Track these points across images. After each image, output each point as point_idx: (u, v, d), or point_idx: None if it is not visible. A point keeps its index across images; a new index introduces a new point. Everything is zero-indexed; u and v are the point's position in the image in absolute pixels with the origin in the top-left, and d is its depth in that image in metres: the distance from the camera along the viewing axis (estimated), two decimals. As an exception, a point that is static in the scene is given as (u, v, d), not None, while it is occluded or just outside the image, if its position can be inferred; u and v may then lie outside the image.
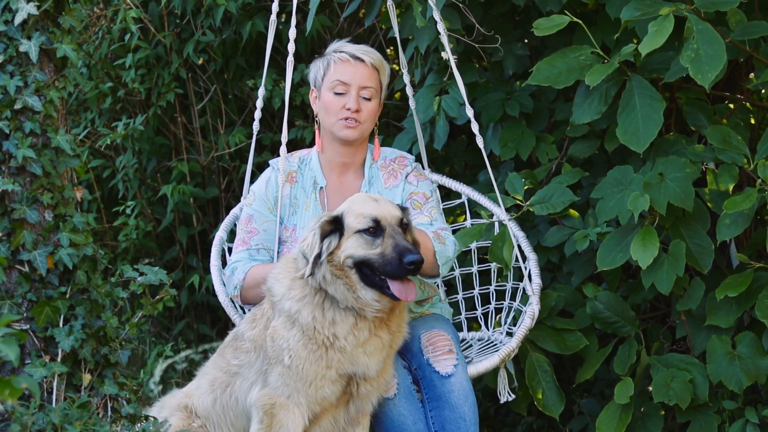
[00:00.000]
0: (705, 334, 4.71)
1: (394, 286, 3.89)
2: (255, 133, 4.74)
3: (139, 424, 3.83)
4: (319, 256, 3.91)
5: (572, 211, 5.02)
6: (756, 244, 4.66)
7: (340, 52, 4.41)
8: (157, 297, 4.03)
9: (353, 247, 3.91)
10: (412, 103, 4.89)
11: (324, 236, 3.93)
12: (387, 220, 3.93)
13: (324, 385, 3.96)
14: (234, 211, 4.75)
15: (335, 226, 3.95)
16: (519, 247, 4.68)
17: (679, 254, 4.48)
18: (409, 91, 4.86)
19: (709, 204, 4.62)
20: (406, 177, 4.52)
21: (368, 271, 3.92)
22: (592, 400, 5.37)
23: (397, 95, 6.40)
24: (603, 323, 4.83)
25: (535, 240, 5.28)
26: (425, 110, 5.22)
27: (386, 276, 3.89)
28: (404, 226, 3.98)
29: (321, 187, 4.49)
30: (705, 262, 4.55)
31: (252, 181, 4.66)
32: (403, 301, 4.02)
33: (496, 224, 4.79)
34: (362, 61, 4.39)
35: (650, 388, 4.69)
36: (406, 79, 4.85)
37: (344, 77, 4.38)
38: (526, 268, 4.64)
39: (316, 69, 4.47)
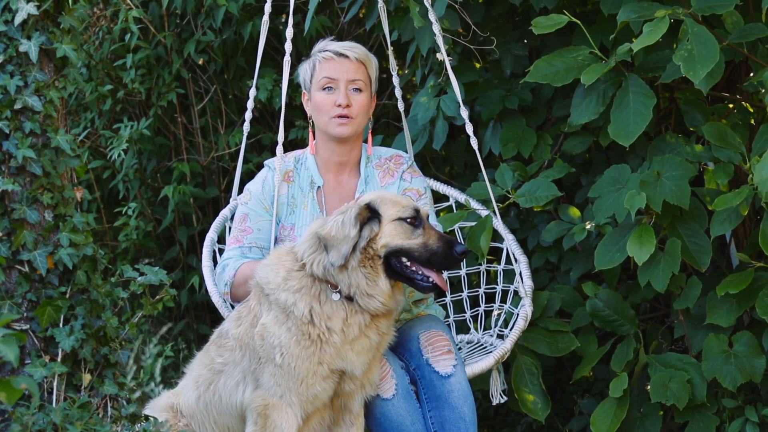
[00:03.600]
0: (703, 334, 4.71)
1: (436, 276, 3.91)
2: (245, 133, 4.74)
3: (139, 424, 3.83)
4: (355, 245, 3.88)
5: (573, 209, 5.02)
6: (756, 243, 4.66)
7: (324, 51, 4.43)
8: (157, 297, 4.04)
9: (390, 235, 3.90)
10: (400, 105, 4.89)
11: (363, 224, 3.91)
12: (423, 213, 3.96)
13: (315, 383, 3.94)
14: (223, 212, 4.72)
15: (372, 214, 3.94)
16: (509, 249, 4.68)
17: (675, 252, 4.49)
18: (398, 93, 4.85)
19: (709, 206, 4.62)
20: (402, 174, 4.53)
21: (396, 263, 3.92)
22: (592, 400, 5.37)
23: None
24: (602, 321, 4.83)
25: (534, 240, 5.28)
26: (425, 111, 5.23)
27: (429, 266, 3.90)
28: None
29: (318, 186, 4.49)
30: (703, 261, 4.56)
31: (243, 182, 4.66)
32: (398, 305, 4.01)
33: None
34: (347, 57, 4.41)
35: (648, 388, 4.70)
36: (396, 81, 4.85)
37: (331, 73, 4.39)
38: (517, 271, 4.64)
39: (303, 71, 4.49)
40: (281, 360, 3.92)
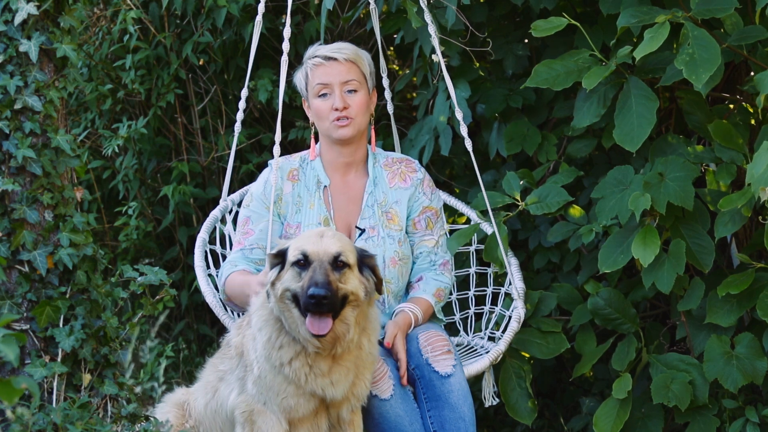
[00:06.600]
0: (705, 335, 4.71)
1: (308, 319, 3.81)
2: (236, 134, 4.74)
3: (139, 424, 3.83)
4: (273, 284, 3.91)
5: (576, 208, 5.02)
6: (756, 243, 4.67)
7: (313, 57, 4.45)
8: (157, 297, 4.04)
9: (288, 279, 3.86)
10: (390, 108, 4.90)
11: (273, 266, 3.91)
12: (317, 254, 3.84)
13: (288, 397, 3.94)
14: (213, 212, 4.71)
15: (282, 259, 3.91)
16: (500, 252, 4.68)
17: (680, 253, 4.49)
18: (387, 95, 4.86)
19: (710, 206, 4.62)
20: (421, 183, 4.52)
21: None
22: (593, 399, 5.37)
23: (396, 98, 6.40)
24: (603, 319, 4.82)
25: (536, 240, 5.27)
26: (438, 116, 5.21)
27: (302, 309, 3.84)
28: (339, 264, 3.86)
29: (324, 186, 4.49)
30: (706, 262, 4.56)
31: (232, 183, 4.65)
32: (346, 336, 3.91)
33: (485, 228, 4.79)
34: (336, 60, 4.41)
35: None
36: (386, 83, 4.86)
37: (323, 79, 4.40)
38: (509, 273, 4.65)
39: (299, 80, 4.51)
40: (258, 372, 3.96)
